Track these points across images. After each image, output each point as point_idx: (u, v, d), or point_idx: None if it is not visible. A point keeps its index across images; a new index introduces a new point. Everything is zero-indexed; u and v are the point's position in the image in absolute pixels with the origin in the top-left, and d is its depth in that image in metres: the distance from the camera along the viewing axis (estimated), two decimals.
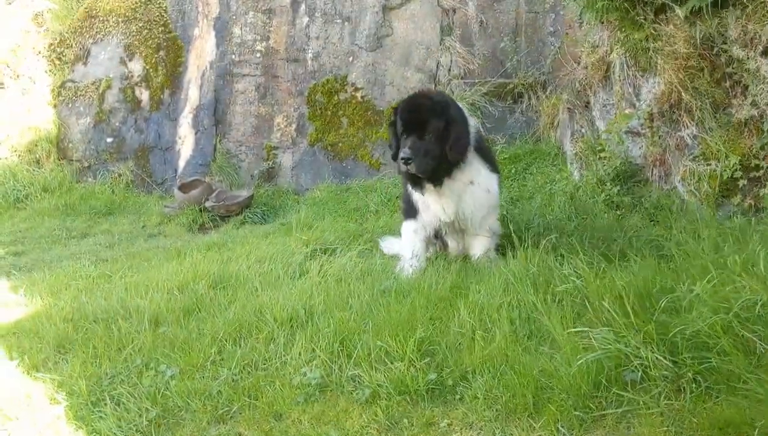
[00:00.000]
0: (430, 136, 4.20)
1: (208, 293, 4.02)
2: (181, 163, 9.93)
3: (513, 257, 3.87)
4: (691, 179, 5.16)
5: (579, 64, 8.37)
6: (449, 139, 4.21)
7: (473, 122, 4.68)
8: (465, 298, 3.32)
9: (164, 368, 3.19)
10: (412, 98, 4.49)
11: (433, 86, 8.97)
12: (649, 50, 5.89)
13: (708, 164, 5.08)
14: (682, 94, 5.32)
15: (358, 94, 9.26)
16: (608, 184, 5.93)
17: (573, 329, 2.65)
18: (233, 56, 9.87)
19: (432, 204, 4.56)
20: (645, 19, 5.78)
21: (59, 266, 6.13)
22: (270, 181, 9.45)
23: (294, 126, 9.58)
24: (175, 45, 10.21)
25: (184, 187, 8.88)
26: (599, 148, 6.54)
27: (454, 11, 8.98)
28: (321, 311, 3.46)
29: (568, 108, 7.36)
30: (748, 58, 4.83)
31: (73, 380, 3.17)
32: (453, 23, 8.99)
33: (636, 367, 2.38)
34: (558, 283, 3.17)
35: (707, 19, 5.13)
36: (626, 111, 6.45)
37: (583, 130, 7.23)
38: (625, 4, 5.84)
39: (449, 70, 8.92)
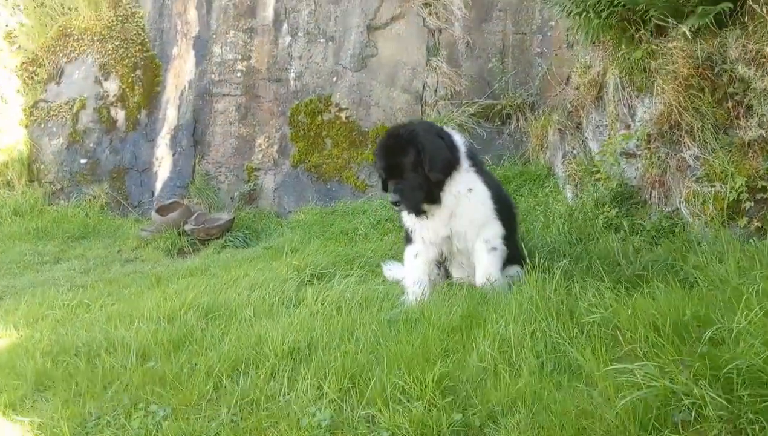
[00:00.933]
0: (408, 173, 4.15)
1: (199, 323, 3.74)
2: (159, 185, 9.62)
3: (525, 282, 3.66)
4: (695, 201, 5.02)
5: (568, 85, 8.31)
6: (425, 164, 4.10)
7: (459, 137, 4.58)
8: (481, 328, 3.09)
9: (155, 407, 2.91)
10: (382, 142, 4.42)
11: (420, 107, 8.84)
12: (646, 70, 5.79)
13: (712, 186, 4.94)
14: (683, 114, 5.20)
15: (343, 115, 9.06)
16: (606, 206, 5.77)
17: (612, 365, 2.43)
18: (213, 76, 9.63)
19: (428, 221, 4.40)
20: (642, 38, 5.71)
21: (33, 294, 5.80)
22: (251, 203, 9.18)
23: (276, 147, 9.34)
24: (153, 64, 9.93)
25: (162, 210, 8.57)
26: (594, 169, 6.40)
27: (441, 31, 8.86)
28: (325, 344, 3.20)
29: (559, 129, 7.23)
30: (754, 77, 4.72)
31: (55, 421, 2.87)
32: (439, 44, 8.87)
33: (687, 406, 2.17)
34: (583, 312, 2.96)
35: (708, 39, 5.05)
36: (621, 132, 6.34)
37: (574, 152, 7.10)
38: (624, 23, 5.76)
39: (435, 91, 8.78)
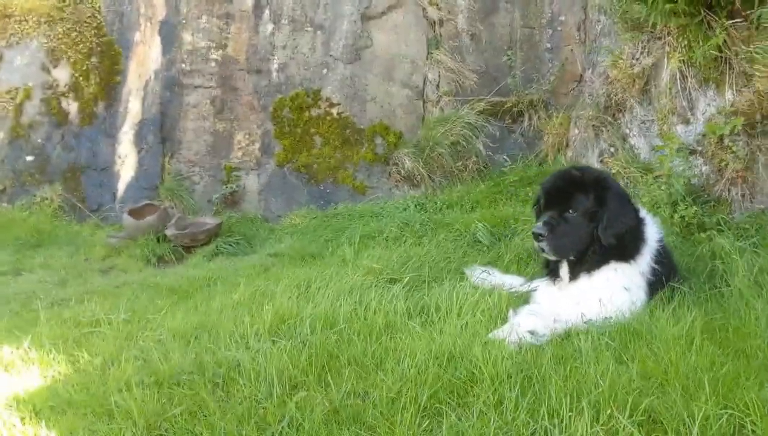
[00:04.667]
0: (575, 212, 3.40)
1: (329, 339, 2.90)
2: (121, 187, 8.49)
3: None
4: None
5: (581, 81, 7.92)
6: (603, 220, 3.34)
7: (655, 226, 3.74)
8: None
9: None
10: (565, 169, 3.81)
11: (421, 104, 8.20)
12: (717, 59, 5.42)
13: None
14: None
15: (334, 111, 8.29)
16: (680, 204, 5.30)
17: None
18: (183, 65, 8.61)
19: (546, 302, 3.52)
20: (714, 25, 5.33)
21: (11, 310, 4.77)
22: (233, 206, 8.22)
23: (258, 144, 8.44)
24: (111, 51, 8.80)
25: (135, 214, 7.49)
26: (647, 166, 5.97)
27: (442, 23, 8.27)
28: (538, 364, 2.47)
29: (593, 125, 6.77)
30: None
31: None
32: (441, 36, 8.28)
33: None
34: None
35: None
36: (677, 127, 5.95)
37: (612, 149, 6.66)
38: (696, 8, 5.35)
39: (438, 86, 8.17)
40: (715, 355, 2.38)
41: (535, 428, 2.09)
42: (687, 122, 5.84)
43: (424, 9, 8.26)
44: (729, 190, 5.34)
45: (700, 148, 5.71)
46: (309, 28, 8.47)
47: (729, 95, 5.39)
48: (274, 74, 8.51)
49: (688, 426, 1.97)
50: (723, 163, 5.38)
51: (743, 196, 5.19)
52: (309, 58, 8.44)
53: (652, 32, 6.12)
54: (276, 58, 8.51)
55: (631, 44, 6.33)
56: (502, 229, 5.82)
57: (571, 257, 3.41)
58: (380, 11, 8.32)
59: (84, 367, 2.89)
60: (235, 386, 2.55)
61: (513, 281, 4.20)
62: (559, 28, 8.08)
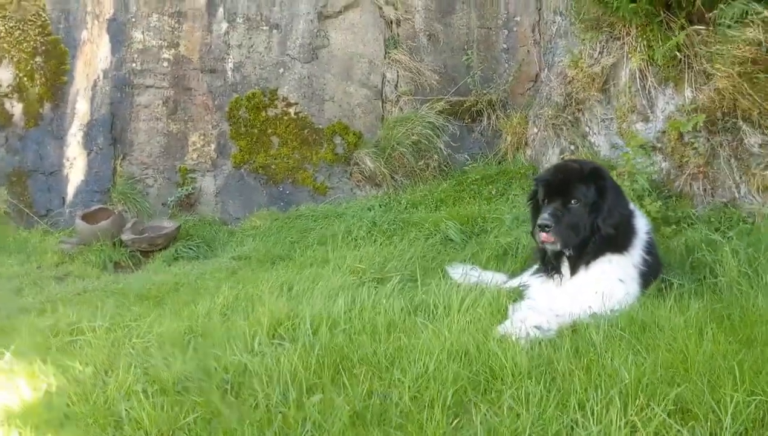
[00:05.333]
0: (577, 203, 3.43)
1: (334, 339, 2.84)
2: (71, 191, 8.17)
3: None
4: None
5: (537, 81, 8.06)
6: (602, 211, 3.41)
7: (643, 218, 3.83)
8: None
9: None
10: (563, 161, 4.01)
11: (380, 103, 8.19)
12: (676, 58, 5.59)
13: None
14: (739, 100, 5.01)
15: (292, 110, 8.19)
16: (646, 199, 5.45)
17: None
18: (134, 65, 8.36)
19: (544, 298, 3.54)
20: (673, 25, 5.50)
21: None
22: (189, 209, 8.02)
23: (213, 145, 8.27)
24: (57, 50, 8.46)
25: (88, 218, 7.22)
26: (617, 162, 6.11)
27: (399, 23, 8.28)
28: (552, 358, 2.48)
29: (553, 124, 6.89)
30: None
31: None
32: (398, 36, 8.29)
33: None
34: None
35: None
36: (637, 124, 6.11)
37: (572, 148, 6.79)
38: (657, 8, 5.50)
39: (396, 85, 8.18)
40: (727, 343, 2.45)
41: (567, 421, 2.10)
42: (647, 120, 6.01)
43: (380, 8, 8.25)
44: (690, 185, 5.52)
45: (660, 145, 5.89)
46: (265, 27, 8.34)
47: (688, 93, 5.56)
48: (230, 74, 8.35)
49: (718, 414, 2.02)
50: (684, 159, 5.55)
51: (705, 190, 5.36)
52: (265, 58, 8.32)
53: (610, 32, 6.27)
54: (231, 57, 8.35)
55: (590, 44, 6.47)
56: (472, 227, 5.86)
57: (572, 250, 3.43)
58: (337, 10, 8.27)
59: (77, 377, 2.75)
60: (246, 391, 2.47)
61: (495, 278, 4.22)
62: (514, 29, 8.20)
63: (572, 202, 3.44)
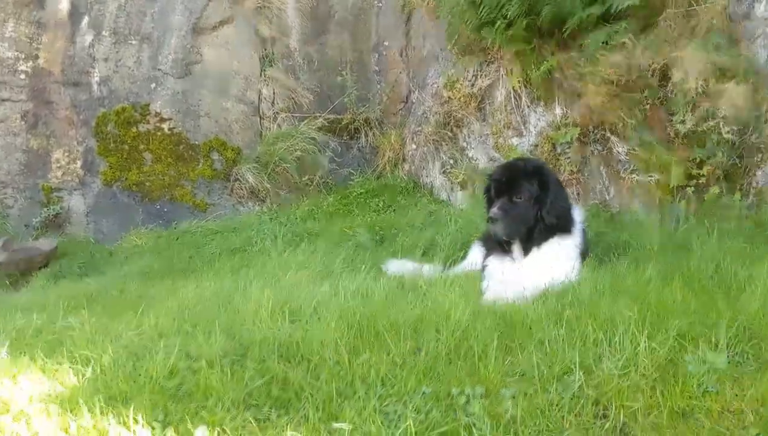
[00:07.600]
0: (523, 198, 3.85)
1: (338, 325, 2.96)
2: None
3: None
4: (637, 191, 5.59)
5: (408, 101, 8.58)
6: (546, 204, 3.84)
7: (578, 209, 4.28)
8: None
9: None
10: (509, 161, 4.41)
11: (258, 119, 8.26)
12: (548, 79, 6.32)
13: (650, 176, 5.54)
14: (606, 115, 5.79)
15: (165, 126, 8.01)
16: None
17: None
18: None
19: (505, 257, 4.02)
20: (545, 51, 6.22)
21: None
22: (57, 230, 7.50)
23: (80, 162, 7.84)
24: None
25: None
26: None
27: (274, 41, 8.45)
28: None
29: (433, 140, 7.41)
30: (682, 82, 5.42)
31: None
32: (274, 54, 8.44)
33: None
34: None
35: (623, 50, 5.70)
36: (512, 139, 6.77)
37: (452, 161, 7.34)
38: (528, 35, 6.18)
39: (273, 102, 8.30)
40: (690, 289, 2.97)
41: (597, 352, 2.46)
42: (521, 135, 6.69)
43: (255, 27, 8.36)
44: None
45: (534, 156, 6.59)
46: (133, 41, 8.11)
47: (558, 111, 6.31)
48: (95, 87, 7.99)
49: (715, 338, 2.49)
50: (557, 168, 6.27)
51: (578, 194, 6.10)
52: (135, 72, 8.07)
53: (485, 57, 6.93)
54: (97, 70, 8.01)
55: (466, 68, 7.08)
56: (374, 234, 6.13)
57: (520, 237, 3.87)
58: (212, 25, 8.24)
59: (105, 364, 2.63)
60: (295, 358, 2.55)
61: (434, 268, 4.55)
62: (384, 53, 8.68)
63: (518, 197, 3.87)
